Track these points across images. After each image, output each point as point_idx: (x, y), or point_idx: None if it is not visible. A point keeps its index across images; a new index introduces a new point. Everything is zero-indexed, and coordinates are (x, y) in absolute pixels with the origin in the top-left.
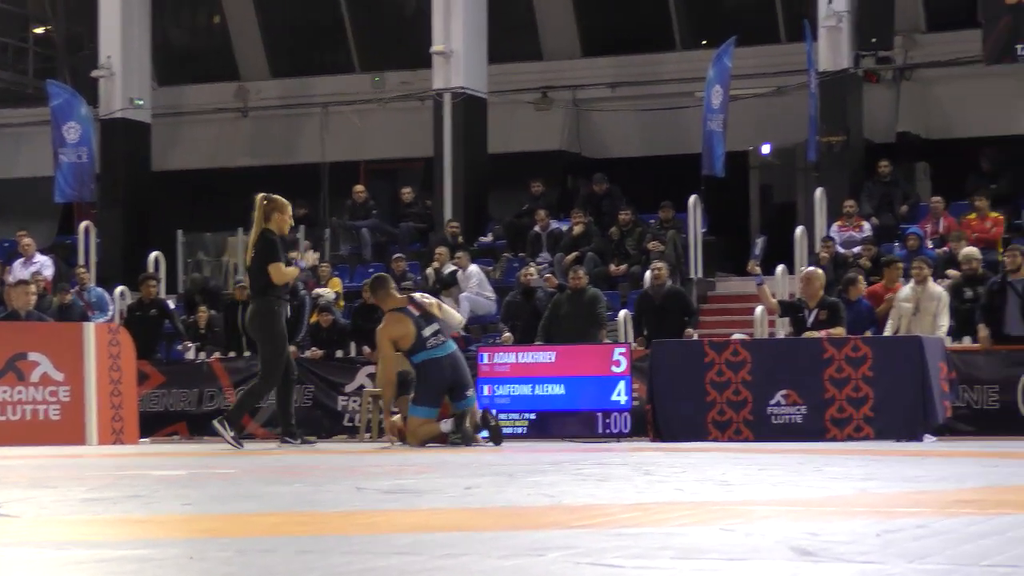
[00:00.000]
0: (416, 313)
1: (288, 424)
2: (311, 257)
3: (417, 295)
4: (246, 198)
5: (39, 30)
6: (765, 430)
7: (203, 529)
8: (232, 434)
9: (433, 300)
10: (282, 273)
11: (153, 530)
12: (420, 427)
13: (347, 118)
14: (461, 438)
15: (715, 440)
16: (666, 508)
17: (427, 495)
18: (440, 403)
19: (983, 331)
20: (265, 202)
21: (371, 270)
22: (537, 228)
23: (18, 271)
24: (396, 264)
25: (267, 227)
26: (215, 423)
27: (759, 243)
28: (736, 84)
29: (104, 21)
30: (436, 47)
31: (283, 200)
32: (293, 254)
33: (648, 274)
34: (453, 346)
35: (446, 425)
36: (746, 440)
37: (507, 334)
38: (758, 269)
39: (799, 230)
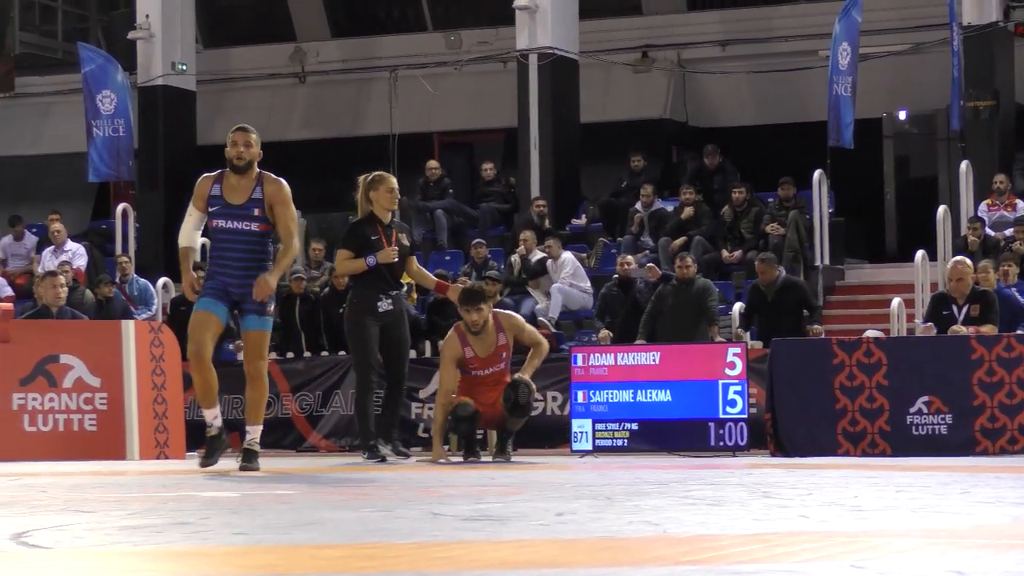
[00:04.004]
0: None
1: (365, 436)
2: (389, 254)
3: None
4: (304, 175)
5: None
6: (904, 442)
7: (256, 564)
8: (375, 456)
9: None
10: (341, 262)
11: (200, 565)
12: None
13: (418, 84)
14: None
15: (846, 454)
16: (788, 539)
17: (512, 523)
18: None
19: None
20: (367, 180)
21: (447, 257)
22: (638, 207)
23: (48, 260)
24: (476, 250)
25: (372, 210)
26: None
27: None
28: (867, 41)
29: None
30: (520, 1)
31: (381, 174)
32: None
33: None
34: None
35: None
36: (882, 454)
37: (604, 331)
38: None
39: (941, 210)
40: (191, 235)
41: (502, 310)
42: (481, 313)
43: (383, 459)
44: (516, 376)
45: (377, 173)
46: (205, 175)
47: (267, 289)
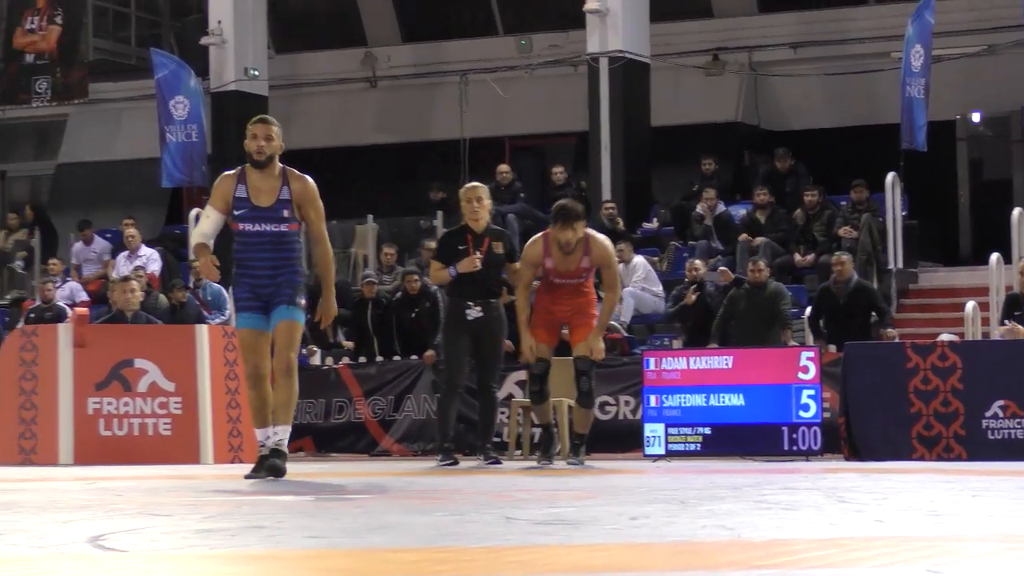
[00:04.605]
0: None
1: (440, 439)
2: (467, 263)
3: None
4: (375, 180)
5: None
6: (980, 447)
7: (331, 568)
8: (447, 459)
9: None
10: (432, 273)
11: (275, 568)
12: None
13: (489, 88)
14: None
15: (920, 459)
16: (863, 544)
17: (586, 527)
18: None
19: None
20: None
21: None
22: (699, 210)
23: (122, 266)
24: None
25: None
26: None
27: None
28: (940, 42)
29: None
30: (590, 4)
31: (467, 186)
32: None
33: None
34: None
35: None
36: (957, 459)
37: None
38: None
39: (1016, 212)
40: (207, 237)
41: (599, 235)
42: (575, 232)
43: (455, 462)
44: (576, 357)
45: (467, 184)
46: (225, 173)
47: (333, 314)
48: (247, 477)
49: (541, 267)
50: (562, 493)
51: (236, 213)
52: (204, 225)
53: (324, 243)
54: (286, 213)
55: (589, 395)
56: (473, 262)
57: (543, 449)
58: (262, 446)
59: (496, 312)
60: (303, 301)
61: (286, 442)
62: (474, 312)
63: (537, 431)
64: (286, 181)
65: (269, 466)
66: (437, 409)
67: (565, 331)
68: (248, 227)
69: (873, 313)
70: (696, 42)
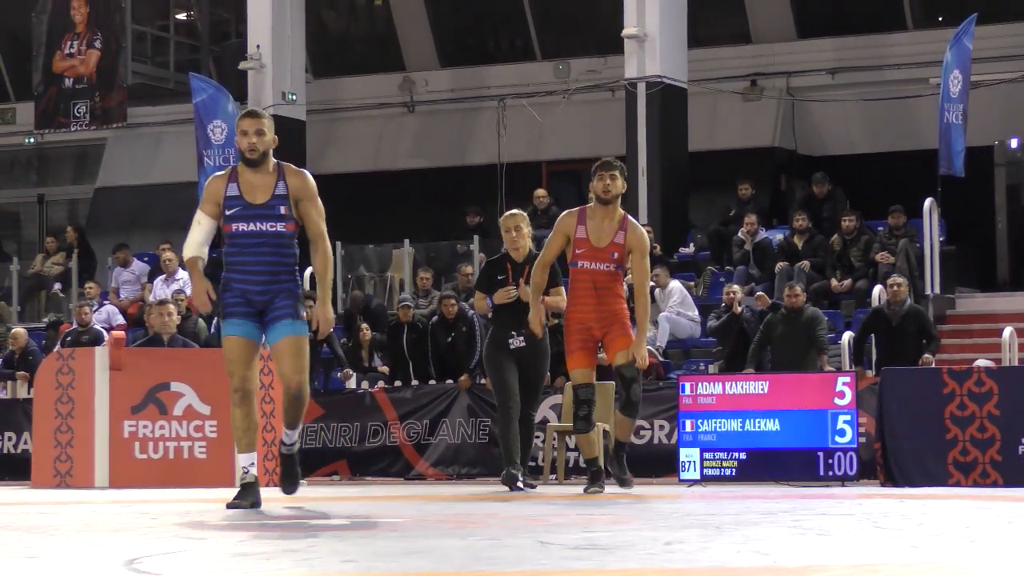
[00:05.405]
0: None
1: (503, 462)
2: (502, 295)
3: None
4: (412, 205)
5: (181, 17)
6: (1016, 472)
7: None
8: (507, 482)
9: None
10: (475, 303)
11: None
12: None
13: (527, 112)
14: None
15: (956, 484)
16: (898, 570)
17: (621, 552)
18: None
19: None
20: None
21: None
22: (741, 234)
23: (159, 289)
24: None
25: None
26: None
27: None
28: (979, 68)
29: (253, 6)
30: (628, 30)
31: (507, 214)
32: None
33: (877, 289)
34: None
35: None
36: (994, 485)
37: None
38: None
39: None
40: (200, 248)
41: (639, 226)
42: (615, 182)
43: (511, 487)
44: (620, 365)
45: (508, 213)
46: (215, 175)
47: (330, 322)
48: (229, 506)
49: (571, 244)
50: (597, 518)
51: (228, 213)
52: (195, 234)
53: (324, 241)
54: (283, 210)
55: (636, 405)
56: (508, 293)
57: (591, 478)
58: (246, 472)
59: (540, 343)
60: (305, 313)
61: (297, 445)
62: (516, 342)
63: (572, 455)
64: (282, 176)
65: (286, 482)
66: (499, 436)
67: (601, 355)
68: (242, 227)
69: (924, 340)
70: (734, 67)
